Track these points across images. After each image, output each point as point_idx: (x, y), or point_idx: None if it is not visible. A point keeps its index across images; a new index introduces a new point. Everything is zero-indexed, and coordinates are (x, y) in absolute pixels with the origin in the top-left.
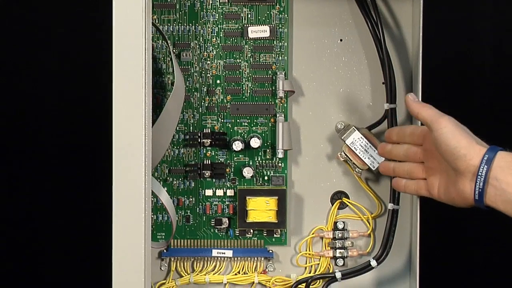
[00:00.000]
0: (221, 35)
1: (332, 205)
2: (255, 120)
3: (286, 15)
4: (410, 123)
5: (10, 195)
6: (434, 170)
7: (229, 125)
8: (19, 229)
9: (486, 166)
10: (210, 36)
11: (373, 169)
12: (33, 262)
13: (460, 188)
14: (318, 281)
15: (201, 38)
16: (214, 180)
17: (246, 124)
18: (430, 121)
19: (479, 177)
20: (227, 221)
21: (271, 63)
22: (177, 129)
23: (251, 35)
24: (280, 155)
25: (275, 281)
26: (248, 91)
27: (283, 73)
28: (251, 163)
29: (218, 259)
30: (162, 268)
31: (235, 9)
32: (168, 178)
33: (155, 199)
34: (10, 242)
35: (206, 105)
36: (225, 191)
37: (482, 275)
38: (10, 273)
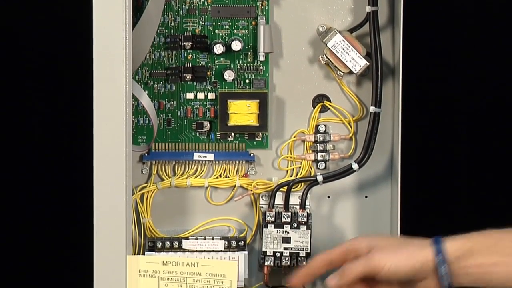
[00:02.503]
0: None
1: (314, 108)
2: (236, 23)
3: None
4: (392, 26)
5: None
6: None
7: (210, 28)
8: None
9: (444, 267)
10: None
11: (355, 72)
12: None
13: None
14: (300, 184)
15: None
16: (195, 83)
17: (227, 27)
18: (368, 270)
19: (442, 277)
20: (208, 125)
21: None
22: (158, 32)
23: None
24: (262, 58)
25: (257, 185)
26: None
27: None
28: (232, 66)
29: (199, 163)
30: (143, 172)
31: None
32: (149, 82)
33: (135, 103)
34: None
35: (187, 7)
36: (206, 94)
37: (464, 175)
38: None
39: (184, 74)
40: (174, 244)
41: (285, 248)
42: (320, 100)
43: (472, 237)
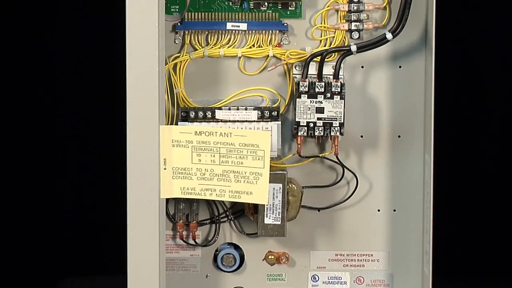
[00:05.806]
0: None
1: None
2: None
3: None
4: None
5: None
6: None
7: None
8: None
9: None
10: None
11: None
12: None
13: None
14: (333, 54)
15: None
16: None
17: None
18: None
19: None
20: None
21: None
22: None
23: None
24: None
25: (290, 54)
26: None
27: None
28: None
29: (232, 32)
30: (176, 42)
31: None
32: None
33: None
34: None
35: None
36: None
37: (499, 43)
38: None
39: None
40: (207, 114)
41: (318, 118)
42: None
43: None
